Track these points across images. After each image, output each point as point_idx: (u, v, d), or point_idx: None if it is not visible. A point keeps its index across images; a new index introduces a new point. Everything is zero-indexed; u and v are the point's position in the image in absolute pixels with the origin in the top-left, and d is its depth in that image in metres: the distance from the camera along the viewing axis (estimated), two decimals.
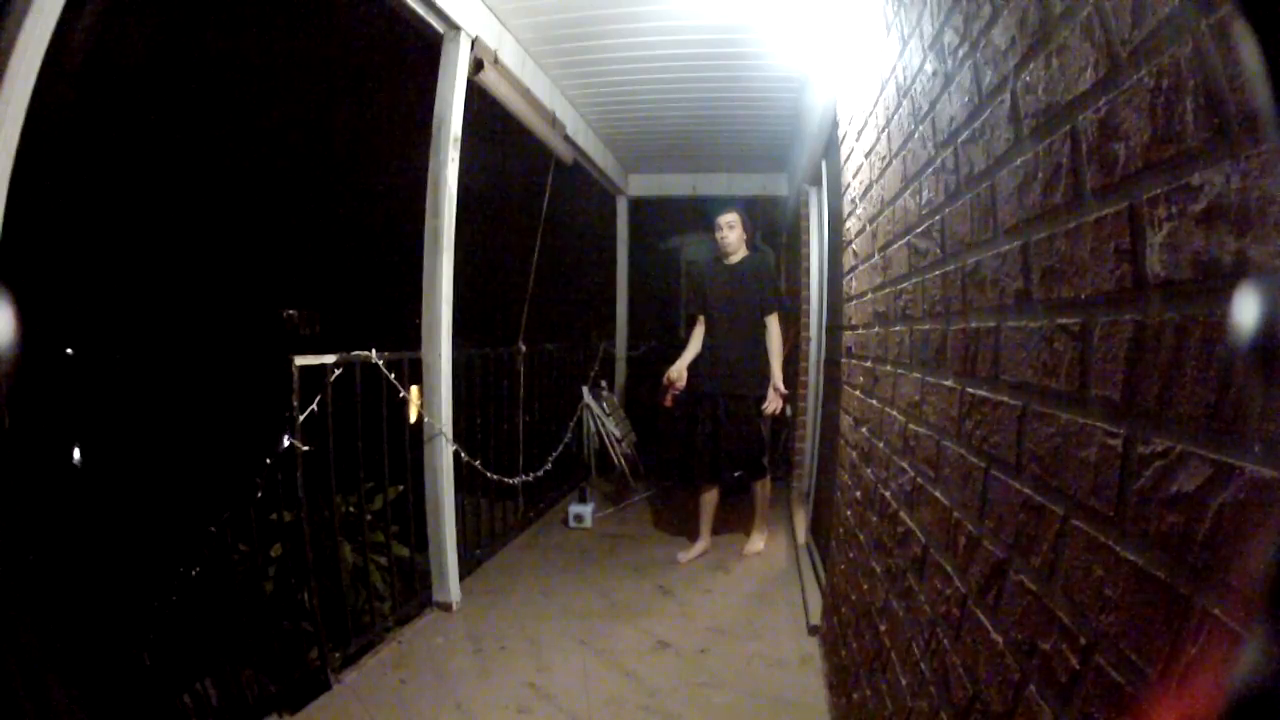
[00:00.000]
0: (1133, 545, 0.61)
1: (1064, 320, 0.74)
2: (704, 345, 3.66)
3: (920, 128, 1.27)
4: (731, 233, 3.58)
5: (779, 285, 3.78)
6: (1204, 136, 0.51)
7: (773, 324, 3.54)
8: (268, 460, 1.94)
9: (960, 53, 1.01)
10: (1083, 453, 0.70)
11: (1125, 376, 0.62)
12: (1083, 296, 0.70)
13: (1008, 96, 0.85)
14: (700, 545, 3.60)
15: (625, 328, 6.24)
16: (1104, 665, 0.65)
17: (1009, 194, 0.87)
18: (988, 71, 0.91)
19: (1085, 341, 0.70)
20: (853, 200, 2.14)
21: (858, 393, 2.00)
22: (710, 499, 3.62)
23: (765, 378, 3.54)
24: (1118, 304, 0.64)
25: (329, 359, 2.18)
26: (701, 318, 3.70)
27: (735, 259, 3.60)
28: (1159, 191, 0.56)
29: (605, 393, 5.24)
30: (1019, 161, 0.83)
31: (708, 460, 3.56)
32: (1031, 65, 0.78)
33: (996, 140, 0.89)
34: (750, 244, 3.69)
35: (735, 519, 3.87)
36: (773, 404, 3.46)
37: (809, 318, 4.28)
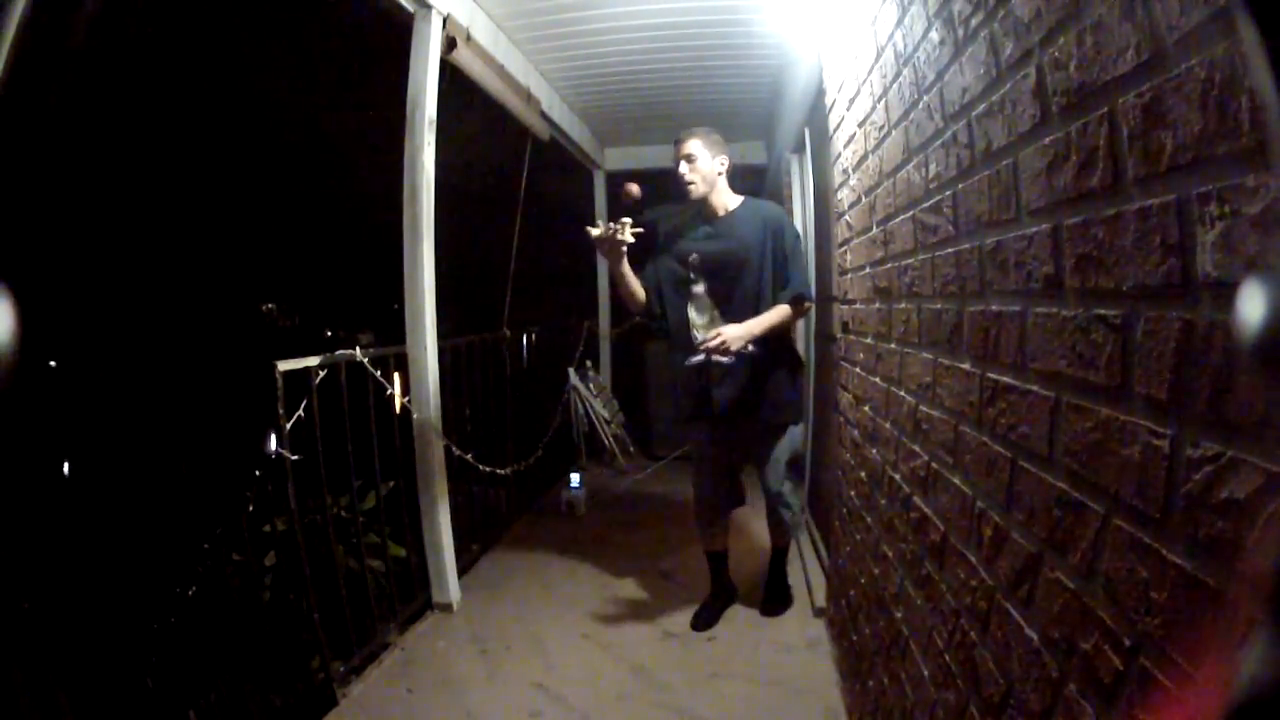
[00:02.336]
0: (1180, 549, 0.59)
1: (1102, 311, 0.70)
2: (684, 349, 2.51)
3: (925, 98, 1.22)
4: (695, 168, 2.41)
5: (801, 250, 2.50)
6: (1258, 138, 0.47)
7: (783, 310, 2.42)
8: (257, 472, 1.88)
9: (974, 22, 0.96)
10: (1125, 451, 0.67)
11: (1172, 376, 0.60)
12: (1124, 288, 0.66)
13: (1032, 71, 0.80)
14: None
15: (608, 305, 6.17)
16: (1150, 668, 0.63)
17: (1035, 174, 0.82)
18: (1008, 43, 0.86)
19: (1127, 335, 0.66)
20: (845, 170, 2.09)
21: (858, 369, 1.97)
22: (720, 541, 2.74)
23: (791, 395, 2.53)
24: (1164, 300, 0.61)
25: (313, 361, 2.11)
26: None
27: (721, 209, 2.48)
28: (1210, 188, 0.53)
29: (592, 374, 5.20)
30: (1047, 140, 0.78)
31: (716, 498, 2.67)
32: (1061, 40, 0.74)
33: (1019, 116, 0.85)
34: (741, 188, 2.57)
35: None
36: (718, 339, 2.31)
37: None
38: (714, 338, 2.31)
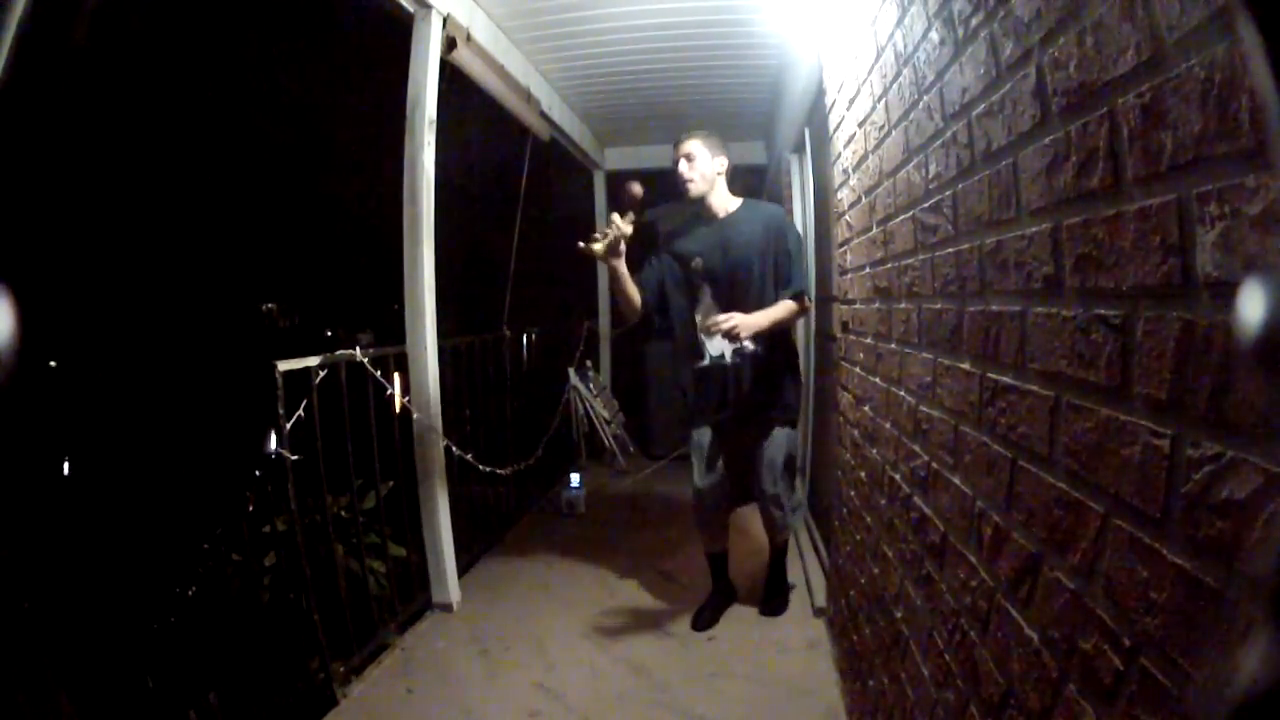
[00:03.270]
0: (1180, 549, 0.59)
1: (1102, 311, 0.70)
2: (690, 352, 2.57)
3: (925, 98, 1.22)
4: (694, 167, 2.44)
5: (803, 252, 2.53)
6: (1259, 138, 0.47)
7: (787, 305, 2.44)
8: (257, 472, 1.88)
9: (974, 22, 0.96)
10: (1125, 450, 0.67)
11: (1173, 376, 0.60)
12: (1124, 288, 0.66)
13: (1032, 71, 0.80)
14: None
15: (608, 305, 6.17)
16: (1150, 668, 0.63)
17: (1035, 174, 0.82)
18: (1007, 43, 0.86)
19: (1127, 335, 0.66)
20: (845, 170, 2.09)
21: (858, 369, 1.97)
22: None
23: (791, 397, 2.57)
24: (1164, 300, 0.60)
25: (313, 361, 2.11)
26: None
27: (721, 210, 2.50)
28: (1210, 188, 0.53)
29: (592, 373, 5.20)
30: (1047, 140, 0.78)
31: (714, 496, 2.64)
32: (1061, 40, 0.74)
33: (1019, 116, 0.85)
34: (740, 188, 2.60)
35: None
36: (730, 322, 2.28)
37: None
38: (726, 320, 2.29)
